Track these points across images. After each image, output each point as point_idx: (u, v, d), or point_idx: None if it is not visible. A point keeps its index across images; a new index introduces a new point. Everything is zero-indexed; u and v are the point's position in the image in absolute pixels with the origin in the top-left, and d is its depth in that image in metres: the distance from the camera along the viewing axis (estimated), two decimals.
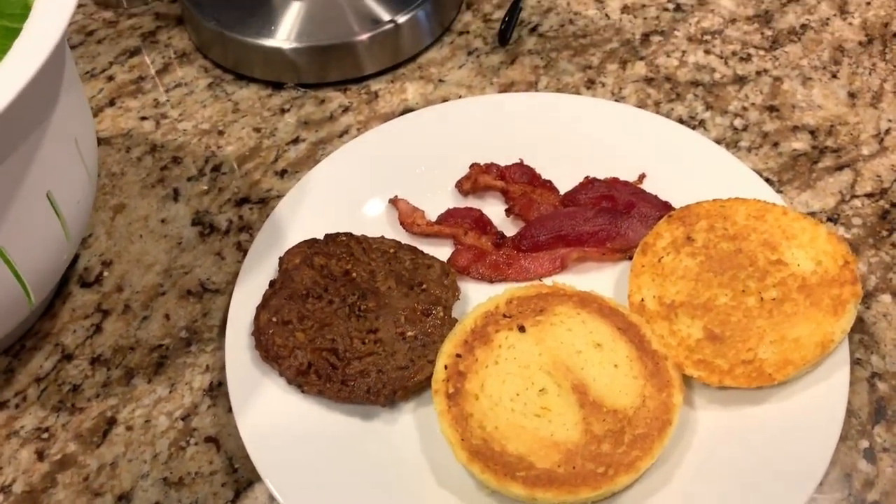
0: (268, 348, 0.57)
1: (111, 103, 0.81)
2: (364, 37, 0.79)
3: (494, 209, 0.68)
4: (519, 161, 0.70)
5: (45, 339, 0.64)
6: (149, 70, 0.84)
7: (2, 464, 0.57)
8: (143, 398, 0.60)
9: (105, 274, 0.68)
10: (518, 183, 0.68)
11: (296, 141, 0.76)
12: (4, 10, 0.50)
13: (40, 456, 0.58)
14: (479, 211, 0.67)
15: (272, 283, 0.61)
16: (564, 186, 0.69)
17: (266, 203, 0.72)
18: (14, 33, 0.47)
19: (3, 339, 0.62)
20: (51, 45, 0.46)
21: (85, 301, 0.66)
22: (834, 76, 0.79)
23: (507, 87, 0.80)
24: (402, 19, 0.81)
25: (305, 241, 0.63)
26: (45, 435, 0.59)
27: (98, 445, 0.58)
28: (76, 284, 0.67)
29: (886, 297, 0.62)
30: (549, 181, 0.69)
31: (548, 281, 0.63)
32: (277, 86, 0.81)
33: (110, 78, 0.83)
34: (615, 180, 0.68)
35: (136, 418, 0.59)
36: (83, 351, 0.63)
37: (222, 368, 0.61)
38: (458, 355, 0.56)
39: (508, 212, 0.67)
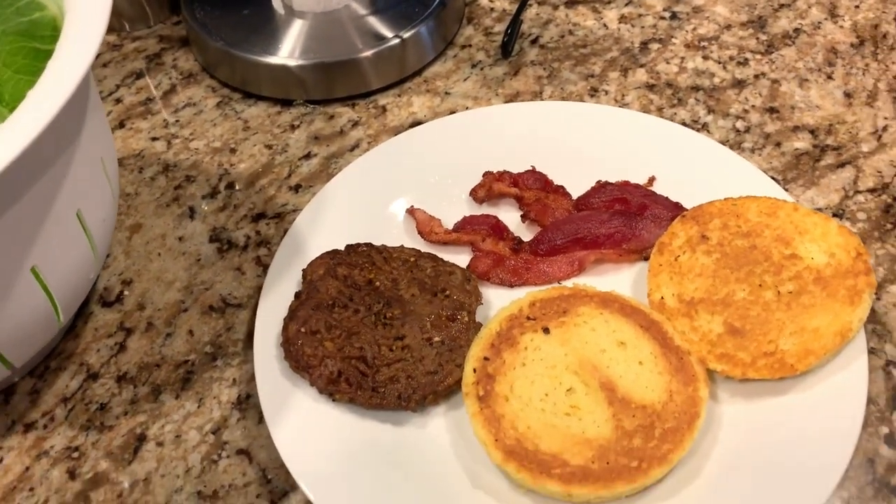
0: (298, 358, 0.57)
1: (121, 125, 0.81)
2: (368, 53, 0.81)
3: (509, 216, 0.69)
4: (531, 168, 0.71)
5: (70, 360, 0.64)
6: (156, 92, 0.85)
7: (33, 484, 0.57)
8: (171, 414, 0.61)
9: (125, 293, 0.68)
10: (531, 189, 0.70)
11: (308, 156, 0.77)
12: (35, 32, 0.50)
13: (72, 475, 0.58)
14: (496, 217, 0.68)
15: (297, 295, 0.61)
16: (576, 191, 0.70)
17: (282, 217, 0.72)
18: (46, 55, 0.48)
19: (27, 361, 0.62)
20: (85, 64, 0.47)
21: (107, 320, 0.66)
22: (829, 77, 0.81)
23: (512, 98, 0.81)
24: (404, 35, 0.82)
25: (328, 253, 0.64)
26: (76, 454, 0.59)
27: (129, 462, 0.58)
28: (97, 304, 0.67)
29: (895, 288, 0.64)
30: (562, 186, 0.70)
31: (567, 283, 0.64)
32: (286, 103, 0.82)
33: (118, 100, 0.84)
34: (626, 183, 0.69)
35: (166, 434, 0.60)
36: (108, 369, 0.63)
37: (249, 381, 0.62)
38: (486, 358, 0.57)
39: (524, 217, 0.68)
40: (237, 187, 0.75)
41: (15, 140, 0.42)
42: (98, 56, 0.89)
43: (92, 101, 0.55)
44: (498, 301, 0.64)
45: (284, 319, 0.60)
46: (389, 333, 0.59)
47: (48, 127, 0.44)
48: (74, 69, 0.47)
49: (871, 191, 0.71)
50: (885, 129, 0.76)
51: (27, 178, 0.47)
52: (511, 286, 0.65)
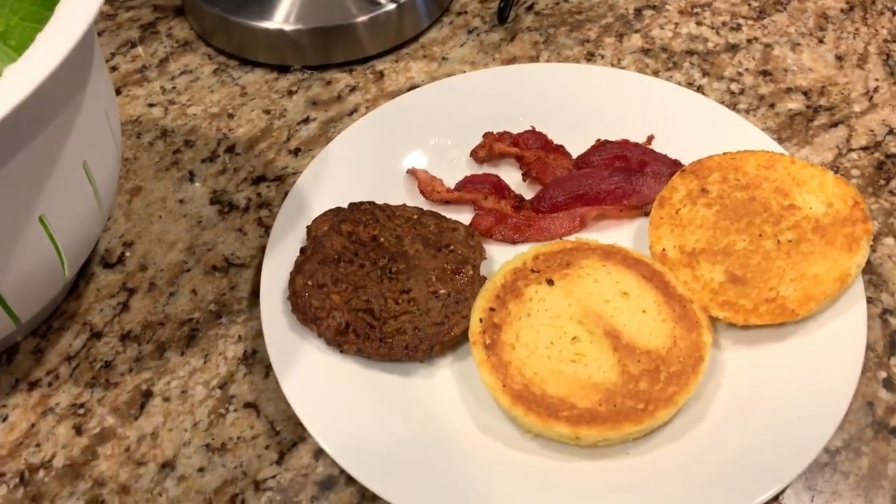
0: (305, 311, 0.58)
1: (118, 92, 0.81)
2: (364, 18, 0.81)
3: (510, 175, 0.70)
4: (531, 128, 0.72)
5: (72, 319, 0.64)
6: (152, 59, 0.84)
7: (39, 440, 0.57)
8: (177, 370, 0.61)
9: (127, 254, 0.68)
10: (532, 149, 0.70)
11: (306, 121, 0.77)
12: None
13: (78, 431, 0.58)
14: (497, 176, 0.69)
15: (303, 250, 0.62)
16: (576, 151, 0.71)
17: (283, 180, 0.72)
18: (52, 2, 0.48)
19: (29, 321, 0.61)
20: (93, 9, 0.47)
21: (109, 281, 0.66)
22: (821, 41, 0.82)
23: (509, 62, 0.82)
24: (400, 0, 0.82)
25: (331, 210, 0.64)
26: (81, 410, 0.59)
27: (136, 417, 0.58)
28: (99, 265, 0.67)
29: (890, 240, 0.65)
30: (562, 146, 0.71)
31: (570, 238, 0.65)
32: (283, 69, 0.82)
33: (114, 68, 0.84)
34: (626, 142, 0.70)
35: (172, 389, 0.60)
36: (112, 328, 0.63)
37: (255, 337, 0.62)
38: (492, 309, 0.58)
39: (525, 176, 0.69)
40: (236, 151, 0.75)
41: (26, 80, 0.42)
42: None
43: (96, 54, 0.55)
44: (501, 257, 0.64)
45: (291, 273, 0.60)
46: (395, 287, 0.60)
47: (58, 68, 0.43)
48: (83, 13, 0.47)
49: (864, 149, 0.72)
50: (875, 90, 0.77)
51: (37, 123, 0.47)
52: (514, 243, 0.66)
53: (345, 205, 0.65)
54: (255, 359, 0.61)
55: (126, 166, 0.74)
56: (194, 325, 0.63)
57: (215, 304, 0.64)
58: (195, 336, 0.62)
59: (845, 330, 0.57)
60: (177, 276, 0.66)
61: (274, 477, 0.55)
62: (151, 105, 0.80)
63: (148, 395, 0.59)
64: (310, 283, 0.59)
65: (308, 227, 0.63)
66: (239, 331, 0.63)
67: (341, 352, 0.58)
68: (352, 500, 0.54)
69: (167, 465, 0.56)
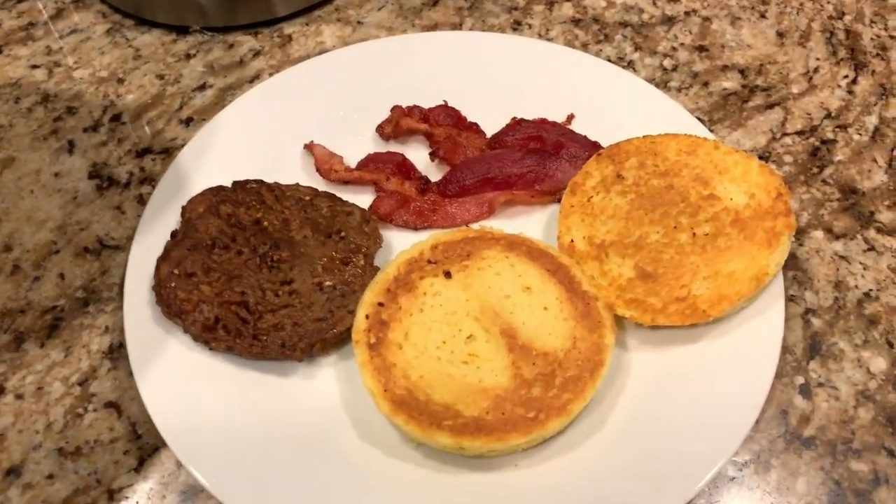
0: (169, 303, 0.52)
1: None
2: None
3: (418, 154, 0.64)
4: (443, 103, 0.66)
5: None
6: (40, 16, 0.77)
7: None
8: (34, 364, 0.55)
9: None
10: (442, 125, 0.65)
11: (202, 87, 0.71)
12: None
13: None
14: (402, 155, 0.63)
15: (174, 234, 0.56)
16: (491, 129, 0.65)
17: (170, 153, 0.66)
18: None
19: None
20: None
21: None
22: (762, 16, 0.77)
23: (430, 29, 0.75)
24: None
25: (211, 189, 0.58)
26: None
27: None
28: None
29: (819, 234, 0.61)
30: (475, 123, 0.65)
31: (475, 226, 0.60)
32: (182, 30, 0.75)
33: None
34: (543, 121, 0.65)
35: (26, 385, 0.54)
36: None
37: (124, 329, 0.56)
38: (381, 304, 0.53)
39: (433, 156, 0.63)
40: (123, 120, 0.68)
41: None
42: None
43: None
44: (400, 244, 0.59)
45: (157, 260, 0.54)
46: (276, 277, 0.54)
47: None
48: None
49: (799, 133, 0.68)
50: (816, 70, 0.72)
51: None
52: (416, 229, 0.60)
53: (231, 182, 0.59)
54: (122, 353, 0.55)
55: None
56: (58, 314, 0.57)
57: (83, 291, 0.58)
58: (58, 326, 0.57)
59: (760, 332, 0.53)
60: (44, 258, 0.60)
61: (131, 486, 0.50)
62: (34, 66, 0.73)
63: None
64: (176, 271, 0.53)
65: (183, 207, 0.57)
66: (107, 321, 0.57)
67: (210, 349, 0.52)
68: None
69: (13, 472, 0.50)
